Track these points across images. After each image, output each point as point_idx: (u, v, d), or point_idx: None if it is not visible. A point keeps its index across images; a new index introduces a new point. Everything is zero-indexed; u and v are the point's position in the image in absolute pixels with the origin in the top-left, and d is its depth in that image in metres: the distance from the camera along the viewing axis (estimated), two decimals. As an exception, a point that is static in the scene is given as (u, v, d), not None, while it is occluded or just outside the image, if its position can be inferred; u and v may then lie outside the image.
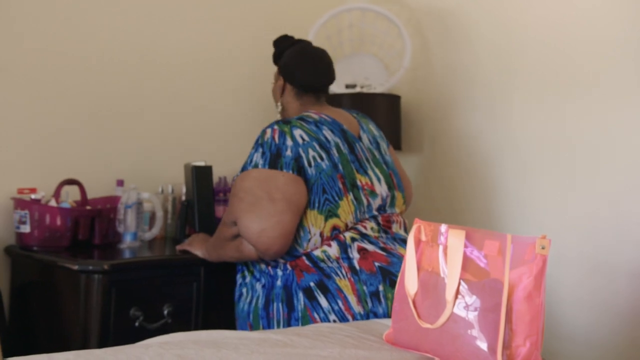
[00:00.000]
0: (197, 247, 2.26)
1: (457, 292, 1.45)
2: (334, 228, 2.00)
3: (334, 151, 2.06)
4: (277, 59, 2.31)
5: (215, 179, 2.74)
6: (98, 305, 2.03)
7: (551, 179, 2.60)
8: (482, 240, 1.46)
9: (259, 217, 1.93)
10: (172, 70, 2.85)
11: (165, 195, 2.69)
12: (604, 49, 2.46)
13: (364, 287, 1.93)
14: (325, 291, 1.94)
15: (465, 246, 1.47)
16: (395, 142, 2.96)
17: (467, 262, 1.46)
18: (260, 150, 2.02)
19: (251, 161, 2.02)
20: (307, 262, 1.99)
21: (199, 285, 2.25)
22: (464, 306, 1.44)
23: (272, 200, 1.94)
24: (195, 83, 2.92)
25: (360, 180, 2.08)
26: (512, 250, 1.42)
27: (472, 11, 2.90)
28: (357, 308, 1.92)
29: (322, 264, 1.97)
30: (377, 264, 1.97)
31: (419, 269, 1.55)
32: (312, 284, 1.96)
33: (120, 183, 2.55)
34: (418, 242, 1.57)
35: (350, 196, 2.03)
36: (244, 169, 2.03)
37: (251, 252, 2.01)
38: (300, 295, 1.95)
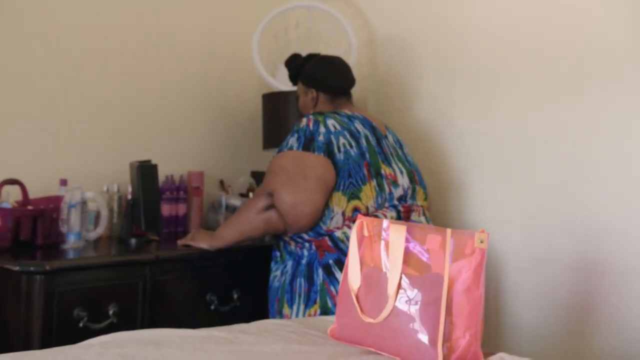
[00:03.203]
0: (200, 239, 2.37)
1: (399, 287, 1.47)
2: (355, 209, 2.18)
3: (363, 141, 2.26)
4: (295, 76, 2.55)
5: (161, 177, 2.71)
6: (40, 307, 1.99)
7: (494, 173, 2.64)
8: (424, 235, 1.49)
9: (294, 191, 2.14)
10: (117, 67, 2.81)
11: (110, 194, 2.66)
12: (538, 46, 2.52)
13: None
14: (342, 267, 2.10)
15: (408, 241, 1.49)
16: (343, 140, 2.98)
17: (409, 256, 1.49)
18: (296, 135, 2.23)
19: (287, 144, 2.24)
20: (329, 242, 2.18)
21: (145, 285, 2.23)
22: (406, 300, 1.46)
23: (305, 178, 2.15)
24: (140, 80, 2.88)
25: (385, 170, 2.26)
26: (452, 245, 1.45)
27: (417, 9, 2.93)
28: None
29: (341, 245, 2.17)
30: None
31: (362, 264, 1.57)
32: (331, 261, 2.17)
33: (63, 182, 2.51)
34: (361, 237, 1.59)
35: (374, 183, 2.22)
36: (280, 150, 2.25)
37: (279, 225, 2.22)
38: (320, 271, 2.18)
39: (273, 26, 3.13)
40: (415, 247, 1.49)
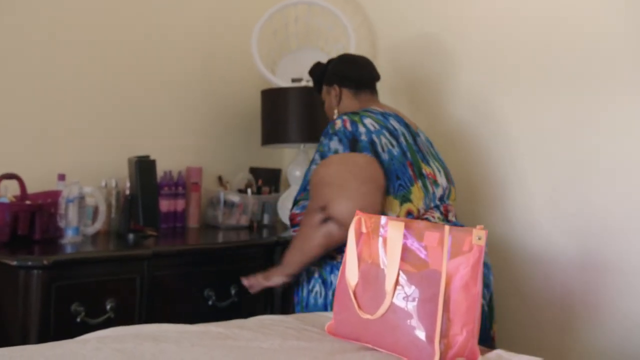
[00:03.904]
0: (274, 274, 2.15)
1: (397, 283, 1.47)
2: (408, 213, 2.04)
3: (402, 139, 2.12)
4: (319, 83, 2.38)
5: (159, 172, 2.72)
6: (38, 302, 1.99)
7: (495, 171, 2.65)
8: (422, 231, 1.49)
9: (351, 198, 1.94)
10: (116, 63, 2.81)
11: (108, 189, 2.66)
12: (538, 45, 2.52)
13: None
14: None
15: (406, 238, 1.49)
16: (341, 136, 2.98)
17: (407, 253, 1.49)
18: (336, 138, 2.05)
19: (329, 149, 2.05)
20: None
21: (143, 280, 2.23)
22: (403, 297, 1.46)
23: (361, 182, 1.97)
24: (139, 76, 2.88)
25: (425, 169, 2.12)
26: (450, 241, 1.45)
27: (416, 6, 2.93)
28: None
29: None
30: None
31: (359, 260, 1.57)
32: None
33: (61, 177, 2.50)
34: (359, 234, 1.59)
35: (420, 183, 2.08)
36: (322, 157, 2.05)
37: (340, 236, 1.94)
38: None
39: (272, 22, 3.13)
40: (413, 244, 1.49)
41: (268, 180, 3.17)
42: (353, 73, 2.30)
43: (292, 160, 3.05)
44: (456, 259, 1.43)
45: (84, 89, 2.71)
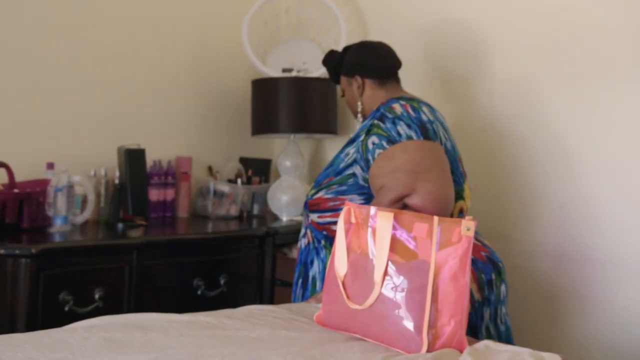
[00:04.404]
0: None
1: (385, 274, 1.47)
2: (460, 211, 1.97)
3: (449, 133, 2.03)
4: (336, 73, 2.23)
5: (149, 162, 2.71)
6: (25, 291, 1.99)
7: (485, 165, 2.66)
8: (412, 222, 1.49)
9: (441, 186, 1.83)
10: (107, 52, 2.79)
11: (97, 178, 2.64)
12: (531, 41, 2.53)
13: (482, 275, 1.90)
14: None
15: (395, 229, 1.49)
16: (332, 126, 2.98)
17: (395, 244, 1.49)
18: (402, 123, 1.91)
19: (398, 134, 1.89)
20: None
21: (132, 269, 2.23)
22: (392, 287, 1.46)
23: (442, 170, 1.86)
24: (129, 64, 2.86)
25: (461, 167, 2.05)
26: (439, 232, 1.45)
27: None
28: (477, 295, 1.88)
29: None
30: (483, 253, 1.94)
31: (348, 251, 1.57)
32: None
33: (50, 166, 2.49)
34: (348, 224, 1.59)
35: (468, 181, 2.02)
36: (392, 141, 1.89)
37: None
38: None
39: (263, 12, 3.11)
40: (402, 235, 1.49)
41: (258, 170, 3.17)
42: (375, 63, 2.14)
43: (283, 151, 3.05)
44: (445, 249, 1.44)
45: (74, 77, 2.69)
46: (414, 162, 1.85)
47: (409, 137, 1.88)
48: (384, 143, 1.90)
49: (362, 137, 1.96)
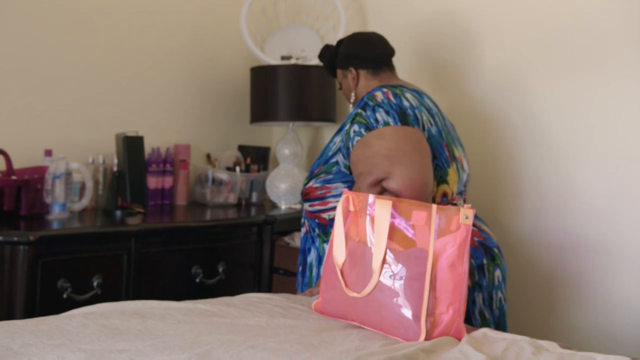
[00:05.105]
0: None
1: (384, 262, 1.47)
2: (444, 195, 1.99)
3: (438, 119, 2.04)
4: (332, 66, 2.27)
5: (147, 149, 2.70)
6: (23, 277, 1.99)
7: (482, 153, 2.65)
8: (410, 210, 1.49)
9: (417, 170, 1.85)
10: (105, 39, 2.78)
11: (96, 165, 2.64)
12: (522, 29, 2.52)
13: (472, 261, 1.91)
14: None
15: (393, 217, 1.49)
16: (330, 115, 2.97)
17: (394, 232, 1.48)
18: (381, 110, 1.94)
19: (376, 120, 1.92)
20: None
21: (130, 257, 2.23)
22: (390, 275, 1.46)
23: (420, 154, 1.88)
24: (127, 52, 2.85)
25: (455, 152, 2.06)
26: (437, 221, 1.45)
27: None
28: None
29: None
30: (475, 238, 1.95)
31: (347, 238, 1.57)
32: None
33: (48, 153, 2.49)
34: (347, 212, 1.59)
35: (454, 166, 2.02)
36: (369, 128, 1.92)
37: None
38: None
39: (262, 0, 3.10)
40: (401, 223, 1.49)
41: (257, 158, 3.17)
42: (368, 53, 2.16)
43: (281, 139, 3.04)
44: (443, 237, 1.43)
45: (72, 64, 2.68)
46: (390, 148, 1.88)
47: (386, 123, 1.92)
48: (362, 130, 1.94)
49: (347, 126, 2.00)
